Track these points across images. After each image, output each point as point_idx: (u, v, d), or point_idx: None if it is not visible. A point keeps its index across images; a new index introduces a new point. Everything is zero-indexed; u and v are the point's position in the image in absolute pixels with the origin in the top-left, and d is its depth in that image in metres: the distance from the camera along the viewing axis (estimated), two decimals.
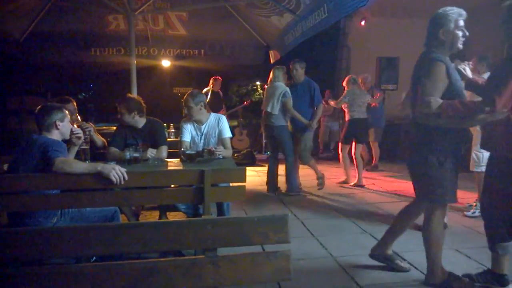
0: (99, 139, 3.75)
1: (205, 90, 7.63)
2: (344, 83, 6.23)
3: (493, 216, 2.51)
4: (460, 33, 2.51)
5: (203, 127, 3.70)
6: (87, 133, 3.16)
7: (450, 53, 2.58)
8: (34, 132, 2.68)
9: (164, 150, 3.52)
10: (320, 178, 5.51)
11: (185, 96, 3.68)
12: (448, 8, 2.52)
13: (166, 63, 7.86)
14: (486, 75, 4.64)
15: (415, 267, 2.97)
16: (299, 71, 5.36)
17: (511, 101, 2.21)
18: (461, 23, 2.51)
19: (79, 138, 2.85)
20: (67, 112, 2.76)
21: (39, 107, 2.72)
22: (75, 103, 3.74)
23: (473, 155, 4.14)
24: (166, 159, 3.43)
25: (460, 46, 2.54)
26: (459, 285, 2.59)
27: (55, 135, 2.65)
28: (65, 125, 2.70)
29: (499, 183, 2.44)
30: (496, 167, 2.47)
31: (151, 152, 3.34)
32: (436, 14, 2.54)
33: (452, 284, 2.60)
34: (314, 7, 4.30)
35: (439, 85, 2.44)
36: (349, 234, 3.76)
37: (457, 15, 2.49)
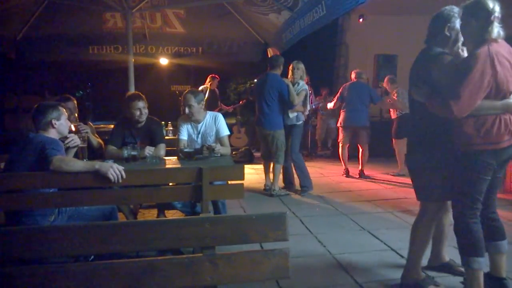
0: (95, 140, 3.62)
1: (201, 87, 7.58)
2: (385, 84, 6.23)
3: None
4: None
5: (199, 126, 3.68)
6: (84, 134, 3.15)
7: (452, 50, 2.51)
8: (31, 131, 2.67)
9: (162, 148, 3.52)
10: None
11: (184, 94, 3.62)
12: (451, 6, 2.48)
13: (164, 61, 7.83)
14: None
15: None
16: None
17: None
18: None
19: (74, 145, 2.85)
20: (63, 110, 2.75)
21: (35, 106, 2.71)
22: (75, 101, 3.69)
23: None
24: (164, 157, 3.42)
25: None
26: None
27: (52, 134, 2.65)
28: (62, 123, 2.69)
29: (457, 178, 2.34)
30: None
31: (149, 150, 3.33)
32: (442, 10, 2.49)
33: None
34: (312, 5, 4.30)
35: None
36: (348, 231, 3.77)
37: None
